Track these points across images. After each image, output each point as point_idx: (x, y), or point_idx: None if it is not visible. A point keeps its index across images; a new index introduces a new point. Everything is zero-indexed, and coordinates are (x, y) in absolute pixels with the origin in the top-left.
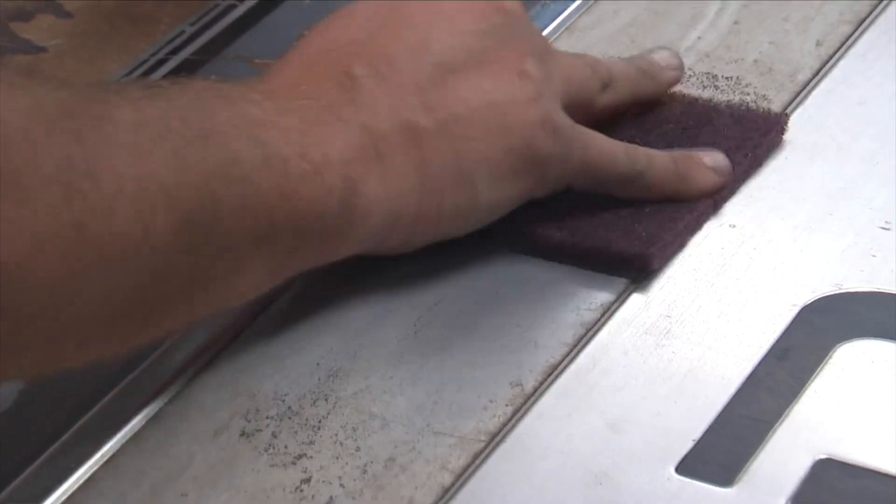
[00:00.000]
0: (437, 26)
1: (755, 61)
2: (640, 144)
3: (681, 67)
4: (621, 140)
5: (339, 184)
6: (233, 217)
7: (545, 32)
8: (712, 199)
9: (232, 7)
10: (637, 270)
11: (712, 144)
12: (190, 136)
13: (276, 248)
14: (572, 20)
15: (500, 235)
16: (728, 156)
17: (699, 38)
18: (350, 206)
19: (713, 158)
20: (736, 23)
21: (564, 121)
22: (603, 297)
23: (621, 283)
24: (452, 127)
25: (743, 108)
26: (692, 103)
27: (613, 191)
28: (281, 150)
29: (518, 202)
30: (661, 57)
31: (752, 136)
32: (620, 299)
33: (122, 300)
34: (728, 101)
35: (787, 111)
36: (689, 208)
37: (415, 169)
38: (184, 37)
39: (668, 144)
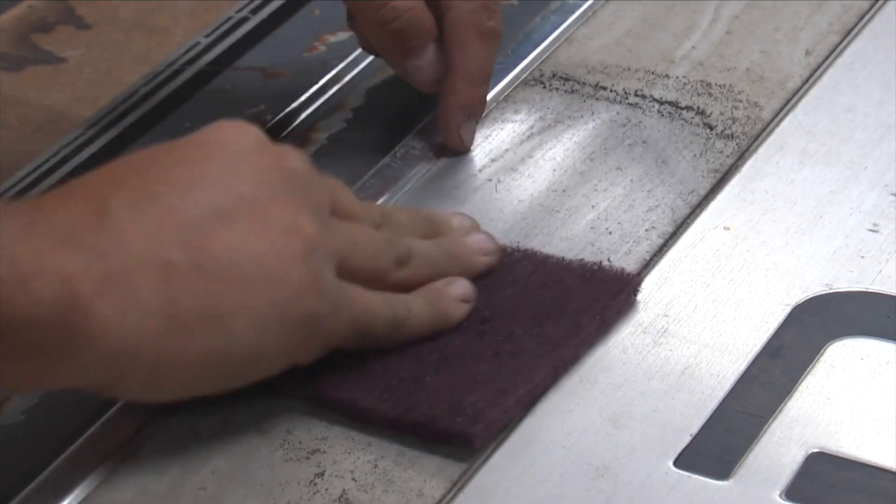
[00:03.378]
0: (212, 170)
1: (747, 69)
2: (483, 308)
3: (497, 253)
4: None
5: (51, 299)
6: None
7: (545, 44)
8: (553, 366)
9: (245, 19)
10: (458, 447)
11: (559, 307)
12: None
13: (8, 343)
14: (571, 31)
15: (310, 401)
16: (575, 318)
17: (693, 47)
18: (70, 324)
19: (462, 289)
20: (728, 33)
21: (332, 281)
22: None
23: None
24: (210, 269)
25: (595, 267)
26: (542, 262)
27: (380, 344)
28: (15, 247)
29: (280, 363)
30: (475, 240)
31: (600, 298)
32: None
33: None
34: (582, 259)
35: (641, 274)
36: (525, 379)
37: (160, 304)
38: (198, 48)
39: (512, 308)
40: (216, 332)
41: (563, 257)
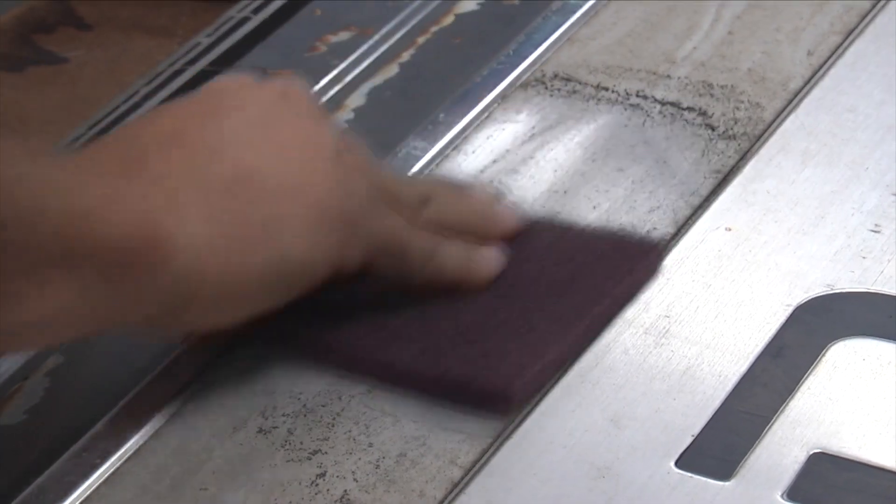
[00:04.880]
0: (225, 104)
1: (749, 70)
2: (513, 275)
3: (519, 218)
4: None
5: (134, 217)
6: (31, 228)
7: (546, 44)
8: (583, 330)
9: (246, 19)
10: (494, 409)
11: (584, 274)
12: None
13: (79, 275)
14: (572, 32)
15: (346, 363)
16: (604, 283)
17: (695, 48)
18: (150, 241)
19: (493, 252)
20: (730, 33)
21: (363, 190)
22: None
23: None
24: (248, 182)
25: (619, 235)
26: (566, 231)
27: (410, 270)
28: (69, 180)
29: (327, 269)
30: (500, 205)
31: (624, 265)
32: None
33: None
34: (607, 226)
35: (661, 243)
36: (556, 342)
37: (212, 222)
38: (199, 48)
39: (541, 274)
40: (267, 241)
41: (587, 225)
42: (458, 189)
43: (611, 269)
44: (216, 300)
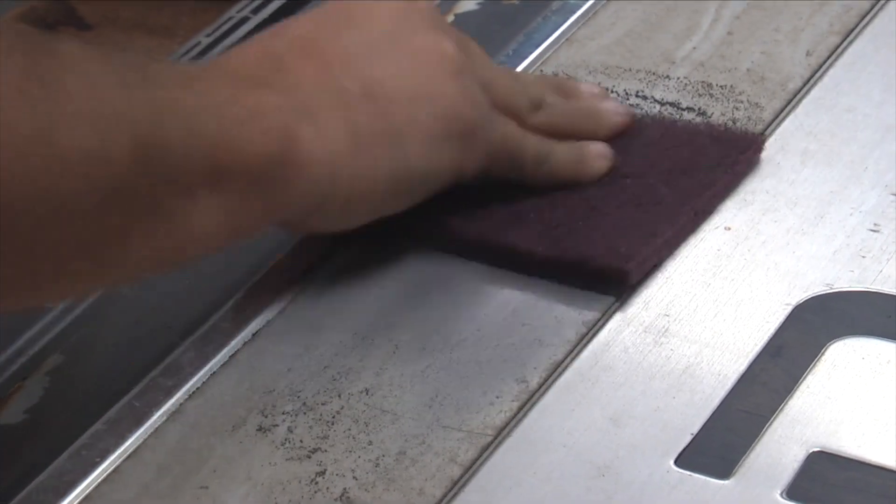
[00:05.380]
0: (355, 14)
1: (748, 70)
2: (622, 165)
3: (628, 114)
4: None
5: (275, 129)
6: (182, 149)
7: (546, 44)
8: (692, 213)
9: (246, 19)
10: (615, 286)
11: (691, 163)
12: (131, 77)
13: (228, 190)
14: (571, 32)
15: (472, 249)
16: (708, 172)
17: (694, 48)
18: (289, 152)
19: (602, 148)
20: (729, 33)
21: (483, 100)
22: (604, 297)
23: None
24: (378, 91)
25: (721, 128)
26: (672, 125)
27: (524, 174)
28: (216, 97)
29: (449, 176)
30: (607, 101)
31: (730, 154)
32: (621, 299)
33: (88, 216)
34: (708, 121)
35: (766, 131)
36: (669, 223)
37: (345, 129)
38: (199, 48)
39: (649, 165)
40: (395, 150)
41: (689, 120)
42: (568, 90)
43: (716, 158)
44: (346, 204)
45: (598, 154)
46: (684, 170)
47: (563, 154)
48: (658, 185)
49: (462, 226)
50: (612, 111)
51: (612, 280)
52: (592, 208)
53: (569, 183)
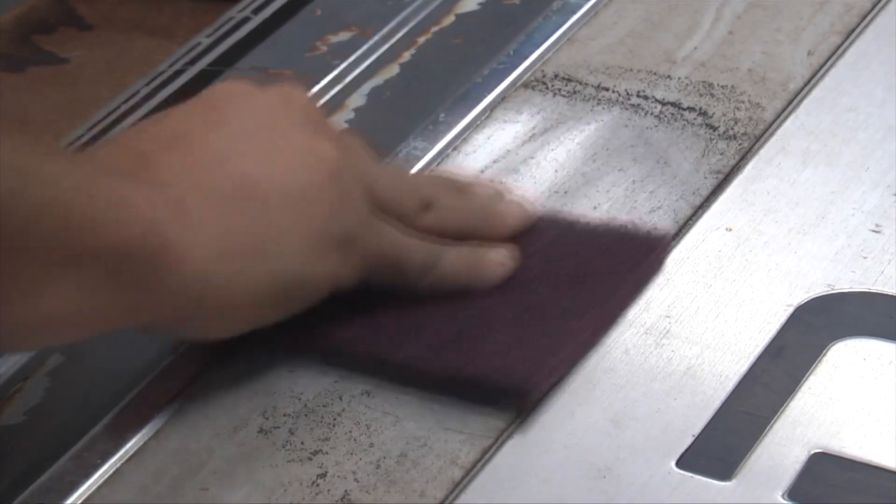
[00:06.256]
0: (227, 111)
1: (749, 70)
2: (521, 270)
3: (525, 214)
4: None
5: (140, 221)
6: (39, 224)
7: (547, 44)
8: (595, 325)
9: (246, 19)
10: (513, 403)
11: (593, 269)
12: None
13: (84, 276)
14: (573, 32)
15: (359, 363)
16: (611, 278)
17: (695, 48)
18: (155, 248)
19: (501, 254)
20: (730, 33)
21: (363, 205)
22: None
23: None
24: (252, 192)
25: (625, 227)
26: (573, 225)
27: (410, 281)
28: (80, 178)
29: (327, 284)
30: (505, 202)
31: (635, 257)
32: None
33: None
34: (611, 219)
35: (667, 237)
36: (570, 338)
37: (218, 229)
38: (200, 48)
39: (548, 269)
40: (272, 255)
41: (592, 219)
42: (461, 189)
43: (617, 264)
44: (220, 310)
45: (495, 260)
46: (586, 275)
47: (454, 259)
48: (558, 295)
49: (348, 339)
50: (508, 212)
51: (511, 398)
52: (488, 320)
53: (461, 289)
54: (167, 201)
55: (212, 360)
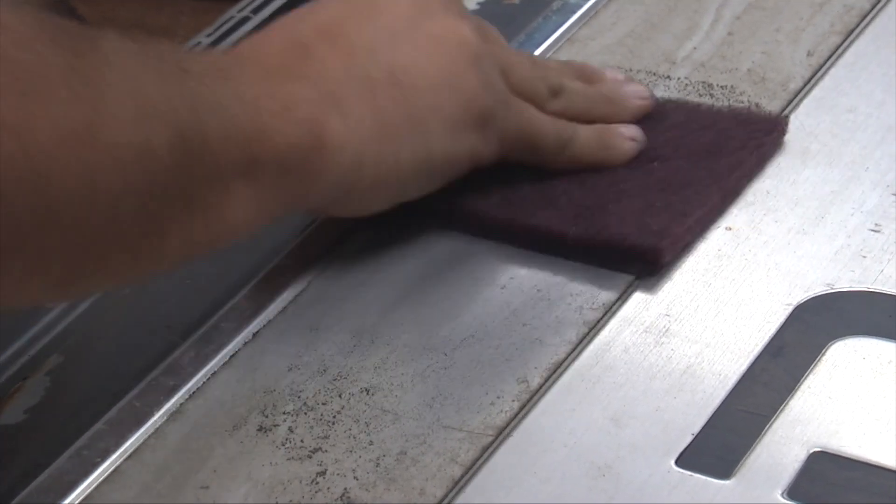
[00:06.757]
0: (378, 4)
1: (749, 70)
2: (649, 149)
3: (651, 98)
4: None
5: (307, 120)
6: (218, 143)
7: (546, 44)
8: (722, 194)
9: (246, 19)
10: (646, 265)
11: (717, 146)
12: (167, 71)
13: (262, 181)
14: (573, 32)
15: (503, 231)
16: (735, 154)
17: (695, 48)
18: (319, 141)
19: (631, 130)
20: (730, 34)
21: (502, 86)
22: (605, 296)
23: (623, 282)
24: (402, 79)
25: (745, 110)
26: (695, 108)
27: (545, 159)
28: (249, 89)
29: (468, 161)
30: (630, 86)
31: (755, 136)
32: (622, 298)
33: (130, 209)
34: (731, 105)
35: (786, 119)
36: (699, 203)
37: (371, 115)
38: (200, 48)
39: (676, 148)
40: (417, 136)
41: (712, 104)
42: (589, 76)
43: (742, 140)
44: (371, 189)
45: (625, 136)
46: (710, 152)
47: (586, 138)
48: (685, 168)
49: (490, 208)
50: (634, 94)
51: (645, 259)
52: (622, 190)
53: (595, 166)
54: (325, 94)
55: (211, 356)
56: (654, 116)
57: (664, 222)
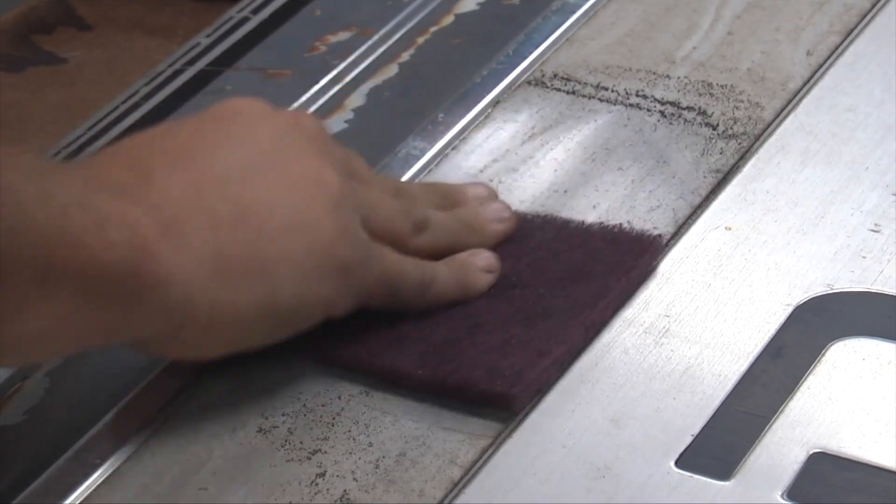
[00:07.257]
0: (234, 132)
1: (748, 70)
2: (510, 274)
3: (513, 219)
4: None
5: (124, 243)
6: (9, 239)
7: (546, 44)
8: (584, 327)
9: (246, 19)
10: (499, 408)
11: (583, 270)
12: None
13: (60, 297)
14: (572, 32)
15: (351, 370)
16: (601, 280)
17: (694, 48)
18: (139, 272)
19: (486, 261)
20: (730, 33)
21: (362, 234)
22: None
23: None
24: (250, 220)
25: (616, 230)
26: (564, 226)
27: (408, 304)
28: (61, 197)
29: (321, 313)
30: (491, 209)
31: (625, 260)
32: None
33: None
34: (602, 222)
35: (662, 236)
36: (559, 340)
37: (211, 253)
38: (199, 48)
39: (538, 272)
40: (261, 282)
41: (582, 221)
42: (452, 198)
43: (611, 264)
44: (206, 333)
45: (480, 268)
46: (575, 278)
47: (446, 277)
48: (547, 297)
49: (339, 345)
50: (494, 217)
51: (495, 405)
52: (477, 324)
53: (456, 303)
54: (161, 222)
55: (209, 361)
56: (520, 235)
57: (519, 364)
